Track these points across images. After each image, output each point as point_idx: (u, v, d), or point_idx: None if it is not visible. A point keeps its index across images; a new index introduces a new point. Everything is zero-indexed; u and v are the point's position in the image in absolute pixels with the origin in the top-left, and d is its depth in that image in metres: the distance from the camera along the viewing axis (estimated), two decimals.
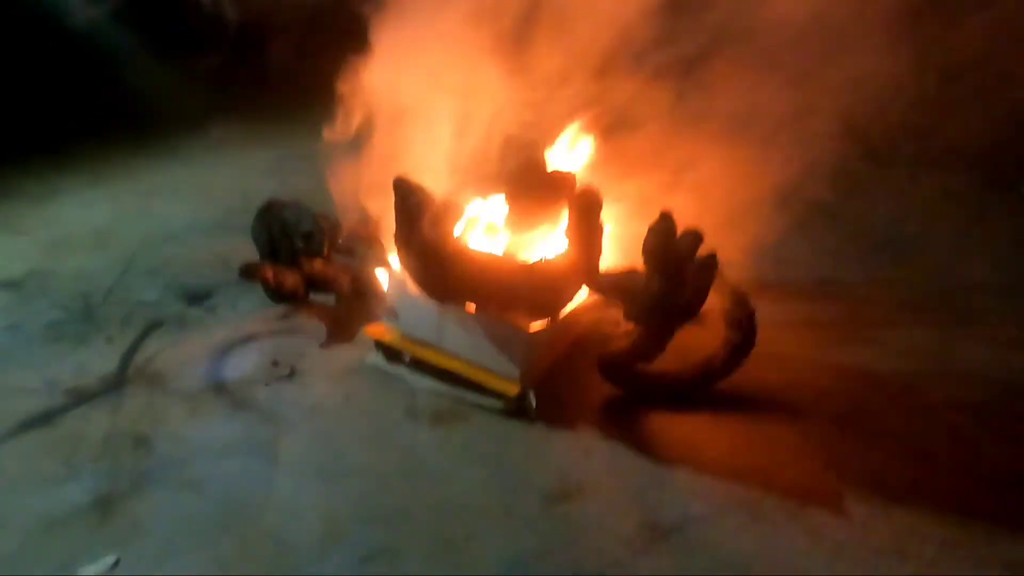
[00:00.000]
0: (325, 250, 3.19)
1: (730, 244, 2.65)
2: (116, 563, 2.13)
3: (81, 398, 2.82)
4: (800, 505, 2.29)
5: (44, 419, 2.71)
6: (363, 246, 3.25)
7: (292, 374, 2.93)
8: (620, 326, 2.96)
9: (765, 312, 2.70)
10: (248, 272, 3.23)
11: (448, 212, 2.64)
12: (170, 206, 4.40)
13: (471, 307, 2.70)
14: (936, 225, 4.12)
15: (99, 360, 3.03)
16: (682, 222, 2.48)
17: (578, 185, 2.63)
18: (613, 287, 2.60)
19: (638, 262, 2.54)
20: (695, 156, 3.14)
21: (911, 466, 2.45)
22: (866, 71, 3.27)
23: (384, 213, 2.84)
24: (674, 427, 2.64)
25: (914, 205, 4.35)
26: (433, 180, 2.74)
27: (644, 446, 2.53)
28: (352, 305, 3.22)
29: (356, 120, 3.00)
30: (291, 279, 3.19)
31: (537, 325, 2.68)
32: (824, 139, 3.39)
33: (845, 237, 4.01)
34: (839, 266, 3.79)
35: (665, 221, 2.44)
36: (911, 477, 2.40)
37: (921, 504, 2.29)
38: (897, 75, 3.29)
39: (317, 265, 3.20)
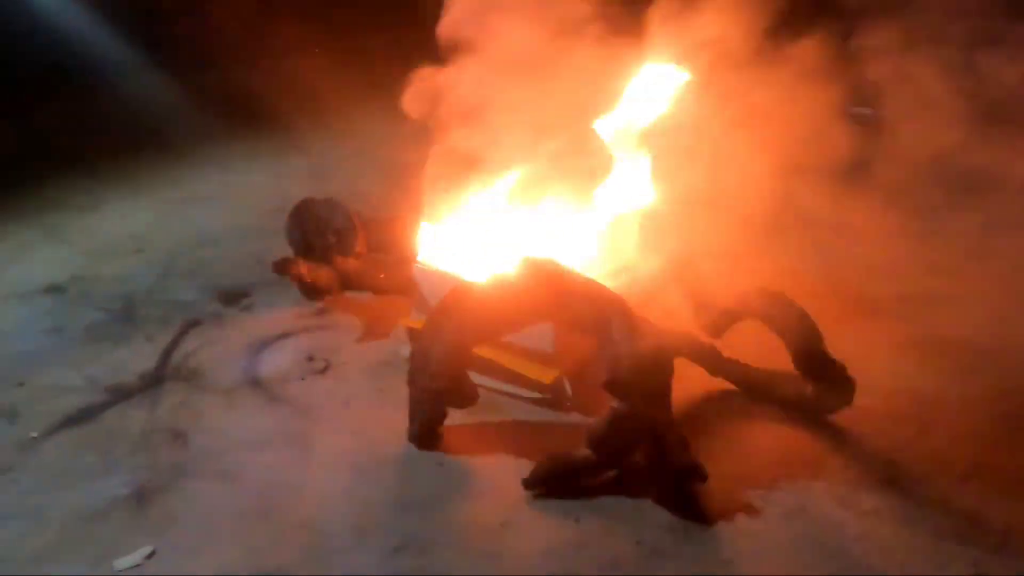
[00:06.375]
0: (358, 246, 3.18)
1: None
2: (151, 554, 2.13)
3: (120, 395, 2.85)
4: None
5: (85, 415, 2.74)
6: (395, 242, 3.23)
7: (327, 368, 2.92)
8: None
9: None
10: (281, 267, 3.24)
11: None
12: (207, 212, 4.45)
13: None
14: None
15: (138, 358, 3.06)
16: None
17: None
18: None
19: None
20: None
21: None
22: None
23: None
24: (710, 417, 2.57)
25: None
26: None
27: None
28: (386, 300, 3.21)
29: None
30: (325, 275, 3.19)
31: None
32: None
33: None
34: None
35: None
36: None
37: None
38: None
39: (350, 261, 3.19)
